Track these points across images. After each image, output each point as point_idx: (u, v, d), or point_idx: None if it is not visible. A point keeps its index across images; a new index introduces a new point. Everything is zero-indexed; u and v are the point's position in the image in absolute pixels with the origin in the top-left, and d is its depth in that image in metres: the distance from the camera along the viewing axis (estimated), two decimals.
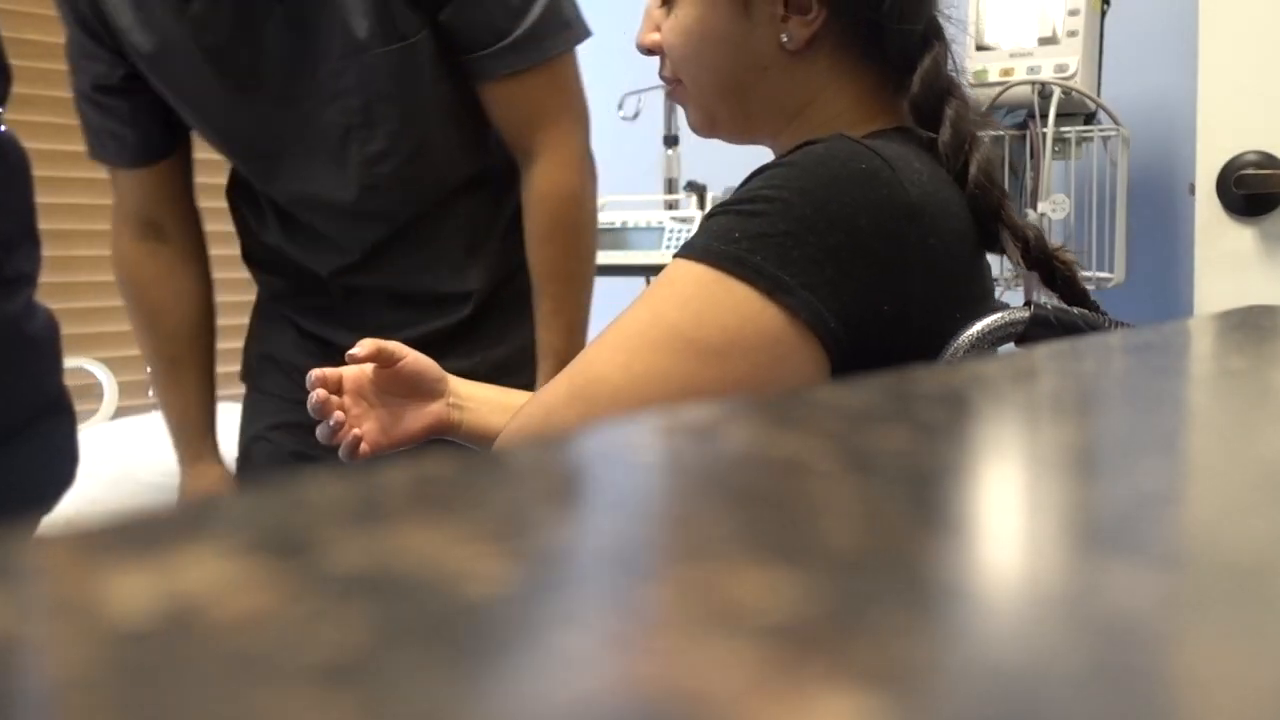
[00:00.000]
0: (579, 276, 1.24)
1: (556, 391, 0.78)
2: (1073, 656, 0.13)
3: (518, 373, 1.19)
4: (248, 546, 0.17)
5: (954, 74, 0.85)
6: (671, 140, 2.25)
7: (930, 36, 0.84)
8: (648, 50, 0.89)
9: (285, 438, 1.28)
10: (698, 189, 2.17)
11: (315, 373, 0.90)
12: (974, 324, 0.80)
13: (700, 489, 0.22)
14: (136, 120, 1.21)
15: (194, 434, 1.30)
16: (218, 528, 0.18)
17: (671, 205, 2.25)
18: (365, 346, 0.90)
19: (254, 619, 0.14)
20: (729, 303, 0.73)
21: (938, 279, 0.76)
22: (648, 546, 0.18)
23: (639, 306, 0.77)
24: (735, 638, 0.14)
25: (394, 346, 0.92)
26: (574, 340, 1.22)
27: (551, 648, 0.14)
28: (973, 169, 0.81)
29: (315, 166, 1.17)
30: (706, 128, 0.90)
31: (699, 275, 0.74)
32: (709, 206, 2.12)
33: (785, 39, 0.82)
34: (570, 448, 0.27)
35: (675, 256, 0.78)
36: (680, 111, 0.95)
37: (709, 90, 0.86)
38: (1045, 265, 0.85)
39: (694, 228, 2.06)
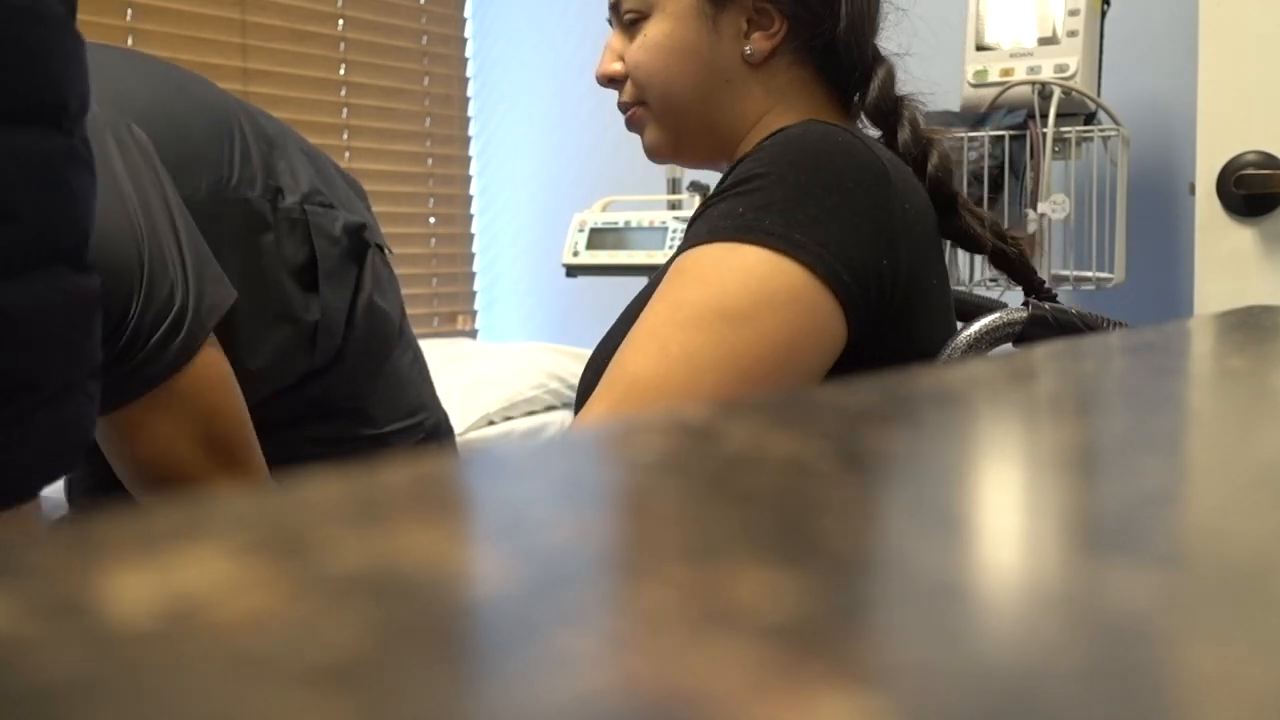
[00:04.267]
0: None
1: (595, 410, 0.76)
2: (1072, 656, 0.13)
3: None
4: (248, 546, 0.17)
5: (900, 92, 0.94)
6: None
7: (878, 54, 0.93)
8: (609, 79, 0.93)
9: None
10: (701, 189, 2.17)
11: None
12: (973, 324, 0.83)
13: (700, 489, 0.22)
14: None
15: None
16: (218, 528, 0.19)
17: (675, 205, 2.24)
18: None
19: (254, 619, 0.14)
20: (745, 266, 0.75)
21: (915, 240, 0.82)
22: (648, 546, 0.18)
23: (655, 303, 0.78)
24: (735, 638, 0.14)
25: None
26: None
27: (551, 648, 0.14)
28: (933, 159, 0.89)
29: None
30: (667, 148, 0.94)
31: (709, 253, 0.76)
32: None
33: (748, 51, 0.88)
34: (570, 447, 0.27)
35: (678, 253, 0.80)
36: None
37: (675, 103, 0.90)
38: (1000, 242, 0.94)
39: None
